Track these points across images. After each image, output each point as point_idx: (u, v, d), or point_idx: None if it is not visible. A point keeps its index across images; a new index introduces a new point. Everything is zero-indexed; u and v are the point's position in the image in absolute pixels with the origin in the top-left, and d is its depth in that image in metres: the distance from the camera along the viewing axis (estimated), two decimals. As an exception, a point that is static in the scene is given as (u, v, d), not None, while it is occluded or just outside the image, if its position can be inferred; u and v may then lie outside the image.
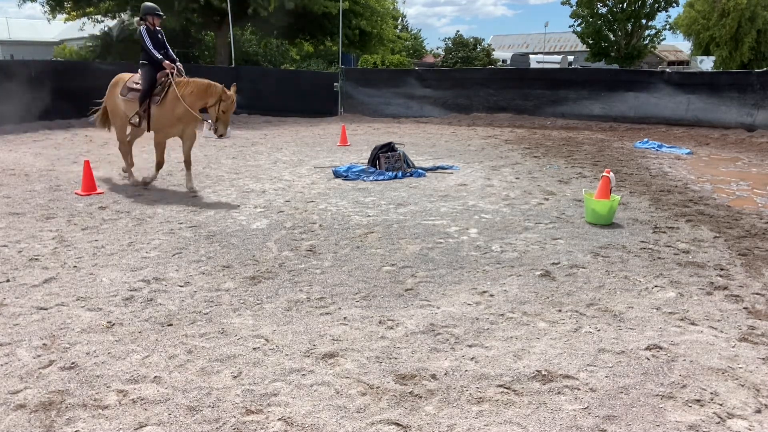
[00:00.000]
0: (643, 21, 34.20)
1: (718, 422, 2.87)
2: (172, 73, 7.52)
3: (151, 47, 7.60)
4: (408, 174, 9.23)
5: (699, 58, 36.40)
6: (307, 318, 4.00)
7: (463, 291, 4.51)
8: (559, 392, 3.11)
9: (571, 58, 42.77)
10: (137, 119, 7.76)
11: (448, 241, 5.76)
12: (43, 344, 3.56)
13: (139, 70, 7.79)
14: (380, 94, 19.03)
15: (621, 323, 3.96)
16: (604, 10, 34.12)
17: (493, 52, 41.05)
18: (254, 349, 3.55)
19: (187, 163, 7.90)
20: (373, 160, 9.56)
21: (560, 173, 9.59)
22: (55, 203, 7.08)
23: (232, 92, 7.33)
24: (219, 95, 7.31)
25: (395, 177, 9.02)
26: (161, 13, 7.93)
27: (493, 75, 19.55)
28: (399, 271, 4.94)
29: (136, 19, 7.63)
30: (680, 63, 45.66)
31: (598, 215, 6.37)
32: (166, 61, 7.60)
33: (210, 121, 7.56)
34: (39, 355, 3.43)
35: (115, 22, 27.64)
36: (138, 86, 7.70)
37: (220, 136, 7.50)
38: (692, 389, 3.15)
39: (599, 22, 34.15)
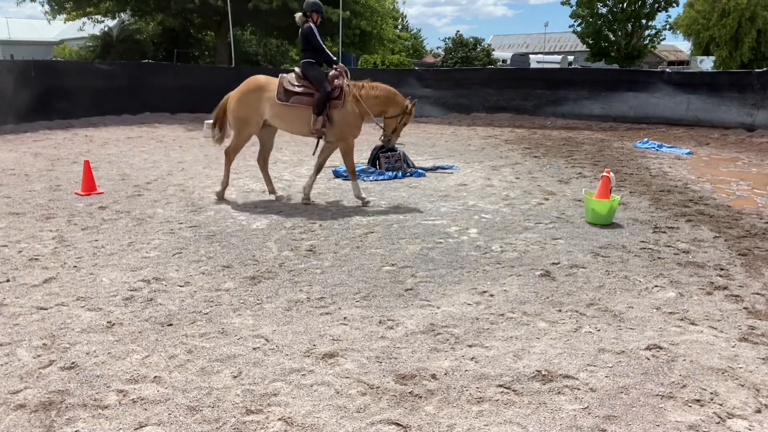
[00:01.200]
0: (643, 21, 34.24)
1: (718, 422, 2.87)
2: (346, 74, 7.11)
3: (323, 46, 7.09)
4: (408, 174, 9.23)
5: (699, 58, 36.42)
6: (307, 318, 4.00)
7: (463, 291, 4.51)
8: (559, 392, 3.11)
9: (571, 58, 42.78)
10: (322, 127, 6.99)
11: (448, 241, 5.76)
12: (43, 344, 3.56)
13: (305, 71, 7.03)
14: (380, 94, 19.01)
15: (621, 323, 3.96)
16: (604, 10, 34.16)
17: (493, 52, 41.06)
18: (254, 349, 3.55)
19: (319, 168, 7.45)
20: (373, 160, 9.57)
21: (560, 173, 9.59)
22: (55, 203, 7.08)
23: (413, 106, 7.24)
24: (404, 107, 7.14)
25: (395, 177, 9.02)
26: (323, 11, 7.42)
27: (493, 75, 19.54)
28: (399, 271, 4.94)
29: (298, 15, 7.23)
30: (680, 63, 45.67)
31: (598, 215, 6.37)
32: (341, 63, 7.23)
33: (382, 128, 7.34)
34: (39, 355, 3.43)
35: (115, 22, 27.66)
36: (303, 89, 6.96)
37: (390, 145, 7.59)
38: (692, 389, 3.15)
39: (599, 22, 34.19)
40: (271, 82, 7.11)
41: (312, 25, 7.07)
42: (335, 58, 7.20)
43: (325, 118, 6.94)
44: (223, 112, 7.47)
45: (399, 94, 7.22)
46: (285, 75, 7.13)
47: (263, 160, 7.64)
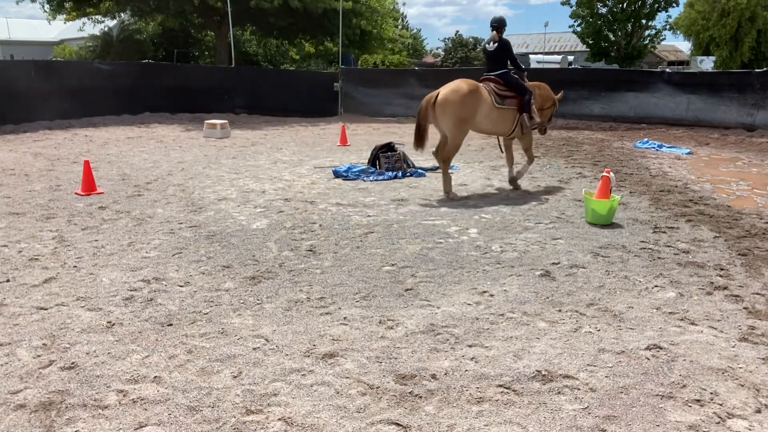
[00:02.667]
0: (643, 21, 34.23)
1: (718, 422, 2.87)
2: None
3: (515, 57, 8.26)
4: (408, 174, 9.23)
5: (699, 58, 36.39)
6: (307, 318, 4.00)
7: (463, 291, 4.51)
8: (559, 392, 3.11)
9: (571, 58, 42.70)
10: (540, 125, 8.24)
11: (448, 241, 5.76)
12: (43, 344, 3.56)
13: (506, 79, 7.86)
14: (380, 94, 19.02)
15: (621, 323, 3.96)
16: (604, 10, 34.14)
17: (494, 52, 40.91)
18: (254, 349, 3.55)
19: (513, 160, 8.53)
20: (373, 160, 9.56)
21: (560, 173, 9.59)
22: (55, 203, 7.08)
23: (560, 97, 8.71)
24: (554, 99, 8.57)
25: (395, 177, 9.01)
26: None
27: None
28: (399, 271, 4.94)
29: (493, 32, 8.04)
30: (680, 63, 45.62)
31: (598, 215, 6.37)
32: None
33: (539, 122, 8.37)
34: (39, 355, 3.43)
35: (115, 22, 27.67)
36: (511, 93, 7.85)
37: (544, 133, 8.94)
38: (692, 389, 3.15)
39: (599, 22, 34.17)
40: (478, 87, 7.65)
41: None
42: (523, 66, 8.33)
43: (532, 115, 7.98)
44: (426, 117, 7.62)
45: (550, 89, 8.61)
46: (486, 82, 7.87)
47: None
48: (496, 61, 7.97)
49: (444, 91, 7.49)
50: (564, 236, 5.97)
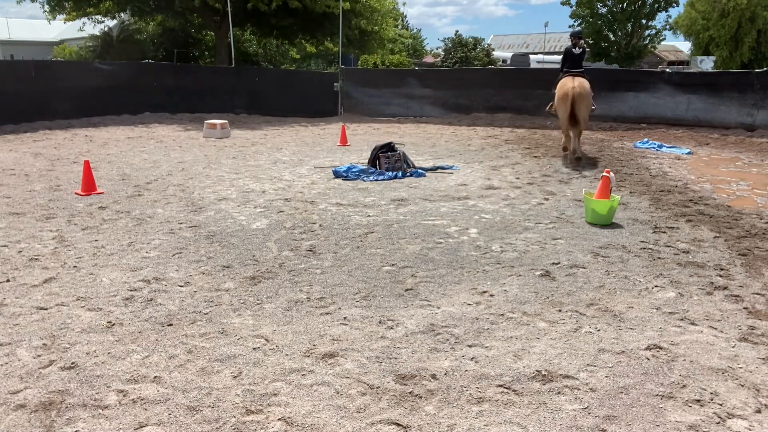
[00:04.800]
0: (643, 21, 34.25)
1: (718, 422, 2.87)
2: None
3: None
4: (408, 174, 9.23)
5: (699, 58, 36.38)
6: (307, 318, 4.00)
7: (463, 291, 4.51)
8: (559, 392, 3.11)
9: (571, 58, 42.56)
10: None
11: (448, 241, 5.76)
12: (43, 344, 3.56)
13: (583, 75, 10.56)
14: (380, 94, 19.00)
15: (621, 323, 3.96)
16: (604, 10, 34.17)
17: (493, 52, 40.99)
18: (254, 349, 3.56)
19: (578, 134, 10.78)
20: (373, 160, 9.56)
21: (560, 173, 9.58)
22: (55, 203, 7.08)
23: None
24: None
25: (395, 177, 9.01)
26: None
27: (493, 75, 19.52)
28: (399, 271, 4.94)
29: (581, 41, 10.97)
30: (680, 63, 45.60)
31: (598, 215, 6.37)
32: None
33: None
34: (39, 355, 3.43)
35: (115, 22, 27.65)
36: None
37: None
38: (692, 389, 3.15)
39: (599, 22, 34.20)
40: (589, 83, 10.42)
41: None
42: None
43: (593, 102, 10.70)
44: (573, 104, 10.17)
45: None
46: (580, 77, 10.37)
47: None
48: (579, 61, 10.69)
49: (578, 87, 10.07)
50: (564, 236, 5.97)
